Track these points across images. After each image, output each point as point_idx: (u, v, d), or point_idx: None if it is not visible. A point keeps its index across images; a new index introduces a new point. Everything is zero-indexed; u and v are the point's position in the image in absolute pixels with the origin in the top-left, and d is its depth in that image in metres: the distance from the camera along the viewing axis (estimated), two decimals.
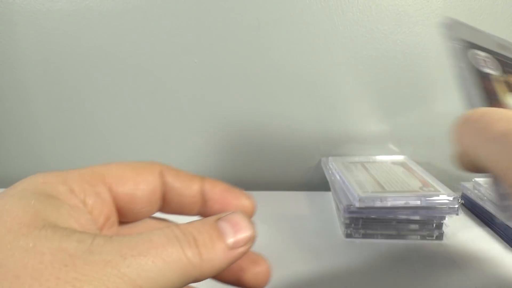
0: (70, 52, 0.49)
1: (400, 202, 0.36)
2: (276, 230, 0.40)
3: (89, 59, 0.50)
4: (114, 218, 0.18)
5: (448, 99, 0.50)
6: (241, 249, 0.16)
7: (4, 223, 0.13)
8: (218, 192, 0.20)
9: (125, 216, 0.19)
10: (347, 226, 0.39)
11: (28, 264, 0.12)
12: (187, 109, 0.51)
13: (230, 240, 0.16)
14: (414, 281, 0.32)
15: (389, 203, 0.36)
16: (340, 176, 0.43)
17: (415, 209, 0.37)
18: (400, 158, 0.50)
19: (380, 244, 0.38)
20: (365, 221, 0.38)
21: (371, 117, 0.51)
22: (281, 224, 0.42)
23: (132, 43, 0.49)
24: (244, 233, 0.16)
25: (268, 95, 0.50)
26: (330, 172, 0.47)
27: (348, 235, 0.39)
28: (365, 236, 0.39)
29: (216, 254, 0.15)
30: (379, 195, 0.37)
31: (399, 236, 0.39)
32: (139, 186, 0.19)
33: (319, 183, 0.54)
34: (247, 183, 0.54)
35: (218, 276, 0.18)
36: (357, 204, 0.36)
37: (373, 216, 0.38)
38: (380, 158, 0.50)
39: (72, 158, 0.54)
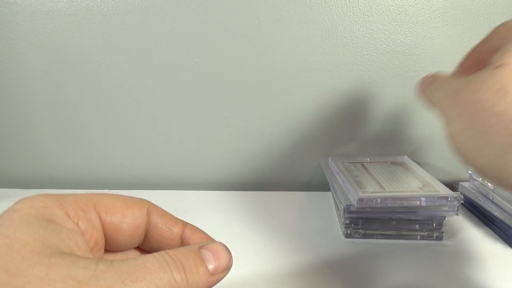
0: (70, 52, 0.49)
1: (400, 202, 0.36)
2: (276, 230, 0.40)
3: (89, 59, 0.50)
4: (102, 243, 0.20)
5: None
6: (220, 275, 0.19)
7: (18, 251, 0.15)
8: (196, 240, 0.22)
9: (107, 246, 0.21)
10: (347, 226, 0.39)
11: None
12: (187, 109, 0.51)
13: (211, 266, 0.18)
14: (414, 281, 0.32)
15: (388, 203, 0.36)
16: (340, 176, 0.43)
17: (415, 209, 0.37)
18: (400, 158, 0.50)
19: (380, 244, 0.38)
20: (365, 221, 0.38)
21: (371, 117, 0.51)
22: (281, 224, 0.42)
23: (132, 43, 0.49)
24: (223, 261, 0.19)
25: (268, 95, 0.50)
26: (330, 172, 0.47)
27: (348, 235, 0.39)
28: (365, 236, 0.39)
29: (200, 279, 0.18)
30: (379, 195, 0.37)
31: (399, 236, 0.39)
32: (126, 219, 0.21)
33: (319, 183, 0.54)
34: (247, 183, 0.54)
35: None
36: (357, 204, 0.36)
37: (373, 216, 0.38)
38: (380, 158, 0.50)
39: (72, 158, 0.54)
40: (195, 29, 0.48)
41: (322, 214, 0.44)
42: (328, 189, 0.48)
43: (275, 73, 0.49)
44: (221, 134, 0.52)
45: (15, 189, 0.51)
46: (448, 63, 0.49)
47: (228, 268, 0.19)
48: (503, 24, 0.23)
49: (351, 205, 0.37)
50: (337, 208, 0.43)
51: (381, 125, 0.51)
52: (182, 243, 0.22)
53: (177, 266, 0.17)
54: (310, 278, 0.32)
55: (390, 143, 0.52)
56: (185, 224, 0.23)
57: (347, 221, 0.38)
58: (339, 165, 0.47)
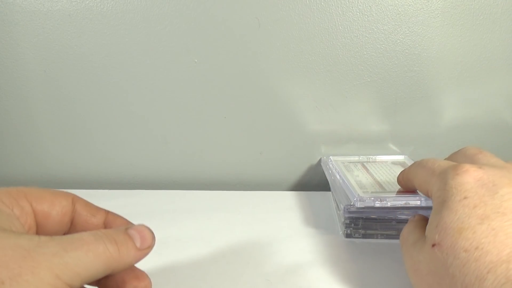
0: (70, 52, 0.49)
1: (400, 202, 0.36)
2: (276, 230, 0.40)
3: (89, 59, 0.50)
4: (34, 229, 0.22)
5: (448, 99, 0.50)
6: (146, 251, 0.22)
7: None
8: (118, 225, 0.25)
9: (37, 232, 0.23)
10: (347, 226, 0.39)
11: None
12: (187, 109, 0.51)
13: (138, 242, 0.21)
14: None
15: (389, 203, 0.36)
16: (340, 176, 0.43)
17: (415, 209, 0.37)
18: (400, 158, 0.50)
19: (380, 244, 0.38)
20: (365, 221, 0.38)
21: (371, 117, 0.51)
22: (281, 224, 0.42)
23: (132, 43, 0.49)
24: (147, 239, 0.22)
25: (268, 95, 0.50)
26: (330, 172, 0.47)
27: (348, 235, 0.39)
28: (365, 236, 0.39)
29: (130, 252, 0.21)
30: (379, 195, 0.37)
31: (399, 236, 0.39)
32: (55, 207, 0.23)
33: (319, 183, 0.54)
34: (247, 183, 0.54)
35: (101, 285, 0.22)
36: (357, 204, 0.36)
37: (373, 216, 0.38)
38: (380, 158, 0.50)
39: (72, 158, 0.54)
40: (194, 29, 0.48)
41: (322, 214, 0.44)
42: (328, 189, 0.48)
43: (275, 73, 0.49)
44: (221, 134, 0.52)
45: None
46: (448, 63, 0.49)
47: (151, 245, 0.22)
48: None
49: (351, 205, 0.37)
50: (337, 208, 0.43)
51: (381, 125, 0.51)
52: (105, 228, 0.25)
53: (110, 240, 0.20)
54: (310, 278, 0.32)
55: (390, 143, 0.52)
56: (107, 212, 0.25)
57: (347, 221, 0.38)
58: (339, 165, 0.47)
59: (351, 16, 0.47)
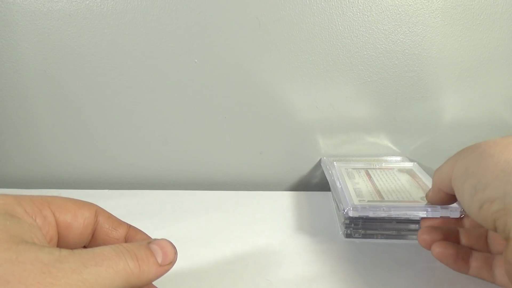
0: (70, 52, 0.49)
1: (396, 213, 0.36)
2: (276, 230, 0.40)
3: (89, 59, 0.50)
4: (55, 240, 0.22)
5: (448, 99, 0.50)
6: (167, 267, 0.21)
7: None
8: (139, 239, 0.24)
9: (58, 244, 0.22)
10: (347, 226, 0.39)
11: (15, 271, 0.16)
12: (187, 109, 0.51)
13: (159, 258, 0.21)
14: (414, 281, 0.32)
15: (383, 214, 0.36)
16: (339, 182, 0.43)
17: (408, 222, 0.37)
18: (408, 165, 0.48)
19: (380, 244, 0.38)
20: (365, 221, 0.38)
21: (371, 117, 0.51)
22: (281, 224, 0.42)
23: (132, 43, 0.49)
24: (169, 255, 0.21)
25: (268, 95, 0.50)
26: (329, 174, 0.46)
27: (348, 235, 0.39)
28: (365, 236, 0.39)
29: (150, 268, 0.20)
30: (374, 205, 0.36)
31: (399, 236, 0.39)
32: (77, 218, 0.22)
33: (319, 183, 0.54)
34: (247, 183, 0.54)
35: None
36: (350, 214, 0.36)
37: (373, 216, 0.38)
38: (387, 165, 0.48)
39: (72, 158, 0.54)
40: (194, 29, 0.48)
41: (322, 214, 0.44)
42: (328, 189, 0.48)
43: (275, 73, 0.49)
44: (221, 134, 0.52)
45: (15, 189, 0.51)
46: (448, 63, 0.49)
47: (173, 261, 0.21)
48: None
49: (348, 212, 0.37)
50: (337, 208, 0.43)
51: (381, 125, 0.51)
52: (126, 242, 0.24)
53: (131, 255, 0.19)
54: (310, 278, 0.32)
55: (390, 143, 0.52)
56: (129, 226, 0.25)
57: (347, 221, 0.38)
58: (342, 171, 0.46)
59: (351, 16, 0.47)
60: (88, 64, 0.50)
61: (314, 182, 0.54)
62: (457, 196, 0.27)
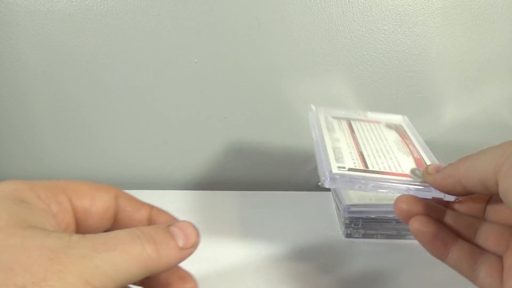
0: (70, 52, 0.49)
1: (385, 189, 0.28)
2: (276, 230, 0.40)
3: (89, 59, 0.50)
4: (73, 227, 0.20)
5: (448, 99, 0.50)
6: (189, 250, 0.19)
7: None
8: (163, 220, 0.23)
9: (78, 230, 0.21)
10: (347, 226, 0.39)
11: (19, 258, 0.15)
12: (187, 109, 0.51)
13: (180, 241, 0.19)
14: (414, 281, 0.32)
15: (368, 189, 0.28)
16: (316, 136, 0.33)
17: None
18: (397, 118, 0.39)
19: (380, 244, 0.38)
20: (365, 221, 0.38)
21: None
22: (281, 224, 0.42)
23: (132, 43, 0.49)
24: (191, 237, 0.19)
25: (268, 95, 0.50)
26: (312, 127, 0.35)
27: (348, 235, 0.39)
28: (365, 236, 0.39)
29: (170, 252, 0.18)
30: (357, 175, 0.28)
31: (399, 236, 0.39)
32: (95, 203, 0.21)
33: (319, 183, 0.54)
34: (247, 183, 0.54)
35: (145, 285, 0.20)
36: (326, 184, 0.28)
37: (372, 216, 0.38)
38: (372, 115, 0.39)
39: (72, 158, 0.54)
40: (194, 29, 0.48)
41: (322, 214, 0.44)
42: (328, 189, 0.48)
43: (275, 73, 0.49)
44: (221, 134, 0.52)
45: None
46: (448, 63, 0.49)
47: (196, 243, 0.20)
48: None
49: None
50: (337, 208, 0.43)
51: None
52: (150, 224, 0.22)
53: (148, 239, 0.17)
54: (310, 278, 0.32)
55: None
56: (151, 206, 0.23)
57: (347, 221, 0.38)
58: (321, 119, 0.36)
59: (351, 16, 0.47)
60: (88, 64, 0.50)
61: (314, 182, 0.54)
62: (506, 196, 0.21)
